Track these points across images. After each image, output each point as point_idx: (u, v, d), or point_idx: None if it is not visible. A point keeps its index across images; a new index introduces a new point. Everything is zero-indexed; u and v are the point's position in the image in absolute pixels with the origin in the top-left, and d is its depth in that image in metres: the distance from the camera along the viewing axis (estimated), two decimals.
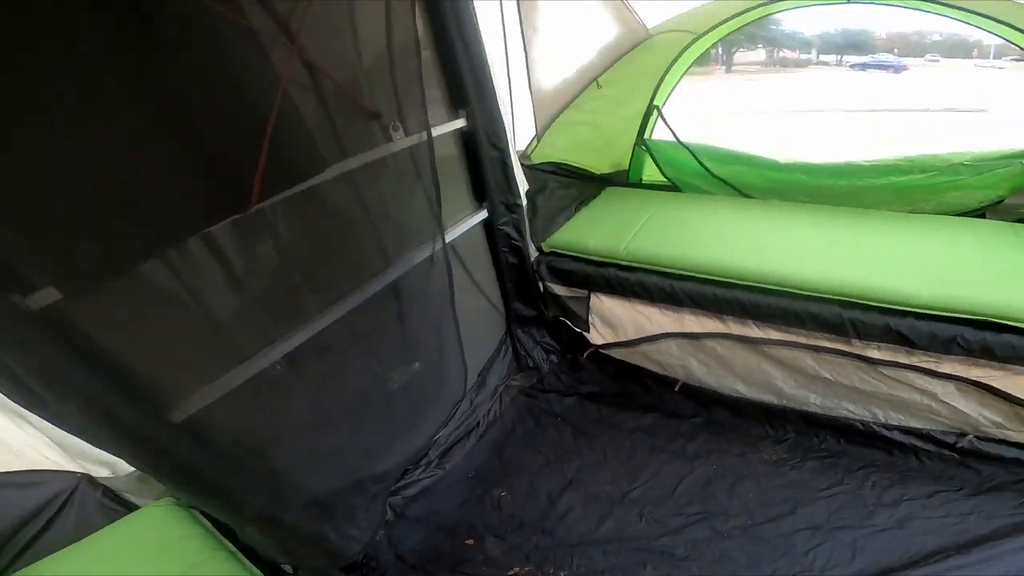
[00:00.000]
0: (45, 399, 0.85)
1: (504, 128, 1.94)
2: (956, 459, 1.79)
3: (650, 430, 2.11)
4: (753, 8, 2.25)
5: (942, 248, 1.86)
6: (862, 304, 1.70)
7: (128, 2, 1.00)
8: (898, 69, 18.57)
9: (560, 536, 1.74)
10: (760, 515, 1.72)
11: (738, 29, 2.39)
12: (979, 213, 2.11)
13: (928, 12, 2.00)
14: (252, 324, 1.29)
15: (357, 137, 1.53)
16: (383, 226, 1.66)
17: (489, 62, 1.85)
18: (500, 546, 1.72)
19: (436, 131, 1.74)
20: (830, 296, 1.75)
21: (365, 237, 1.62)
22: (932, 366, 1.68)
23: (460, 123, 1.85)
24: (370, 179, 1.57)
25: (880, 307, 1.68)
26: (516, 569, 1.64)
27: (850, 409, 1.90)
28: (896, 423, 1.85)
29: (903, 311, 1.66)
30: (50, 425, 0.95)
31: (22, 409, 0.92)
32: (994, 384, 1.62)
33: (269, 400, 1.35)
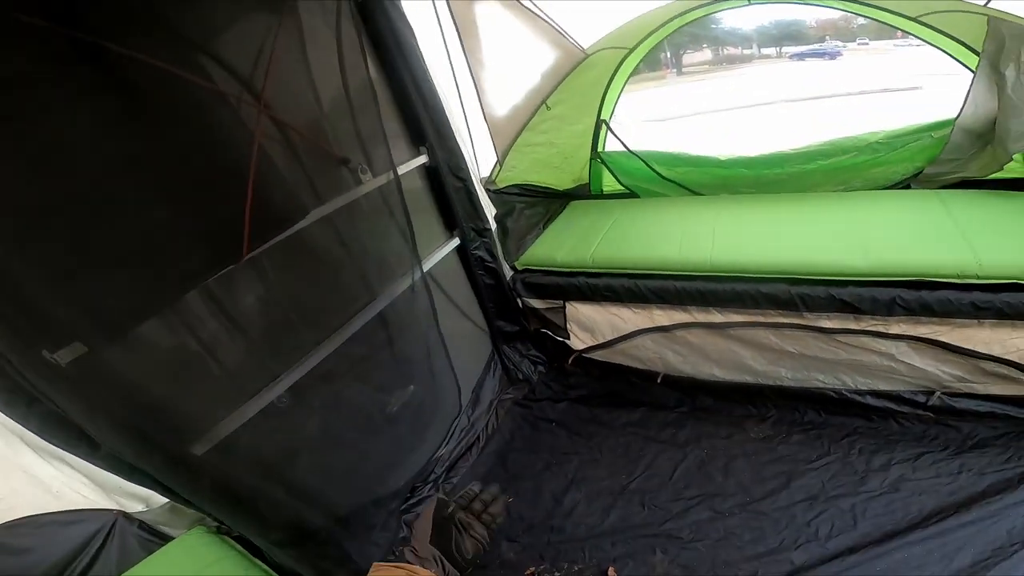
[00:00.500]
0: (81, 440, 0.94)
1: (464, 159, 2.07)
2: (933, 418, 1.89)
3: (640, 423, 2.21)
4: (670, 20, 2.46)
5: (873, 220, 2.03)
6: (807, 279, 1.85)
7: (114, 84, 1.12)
8: (833, 55, 19.48)
9: (569, 532, 1.81)
10: (756, 491, 1.79)
11: (664, 39, 2.60)
12: (904, 185, 2.29)
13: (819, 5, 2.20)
14: (256, 362, 1.41)
15: (330, 182, 1.64)
16: (364, 262, 1.78)
17: (442, 99, 1.98)
18: (514, 548, 1.79)
19: (401, 169, 1.86)
20: (777, 276, 1.89)
21: (349, 273, 1.74)
22: (881, 328, 1.81)
23: (423, 159, 1.98)
24: (347, 220, 1.69)
25: (823, 280, 1.83)
26: (532, 568, 1.70)
27: (820, 379, 2.02)
28: (866, 388, 1.97)
29: (844, 281, 1.81)
30: (86, 464, 1.03)
31: (59, 451, 0.99)
32: (942, 339, 1.75)
33: (280, 429, 1.46)
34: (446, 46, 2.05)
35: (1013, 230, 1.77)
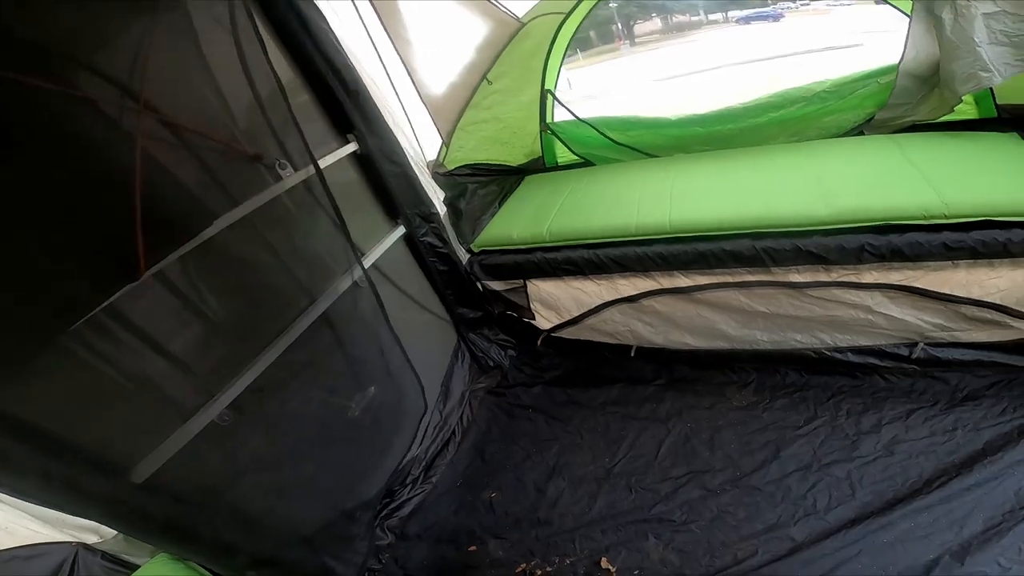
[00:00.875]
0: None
1: (398, 143, 1.93)
2: (919, 371, 1.83)
3: (618, 401, 2.14)
4: None
5: (831, 168, 1.97)
6: (770, 233, 1.78)
7: None
8: (776, 17, 19.80)
9: (557, 524, 1.74)
10: (746, 465, 1.73)
11: (605, 3, 2.47)
12: (858, 132, 2.24)
13: None
14: (187, 381, 1.31)
15: (243, 182, 1.49)
16: (296, 263, 1.64)
17: (369, 83, 1.84)
18: (502, 546, 1.72)
19: (327, 159, 1.73)
20: (740, 231, 1.82)
21: (281, 277, 1.60)
22: (853, 278, 1.75)
23: (351, 147, 1.83)
24: (270, 220, 1.54)
25: (787, 231, 1.76)
26: (523, 565, 1.64)
27: (798, 339, 1.96)
28: (846, 344, 1.91)
29: (809, 231, 1.74)
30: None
31: None
32: (917, 285, 1.70)
33: (227, 448, 1.38)
34: (366, 28, 1.89)
35: (973, 169, 1.73)
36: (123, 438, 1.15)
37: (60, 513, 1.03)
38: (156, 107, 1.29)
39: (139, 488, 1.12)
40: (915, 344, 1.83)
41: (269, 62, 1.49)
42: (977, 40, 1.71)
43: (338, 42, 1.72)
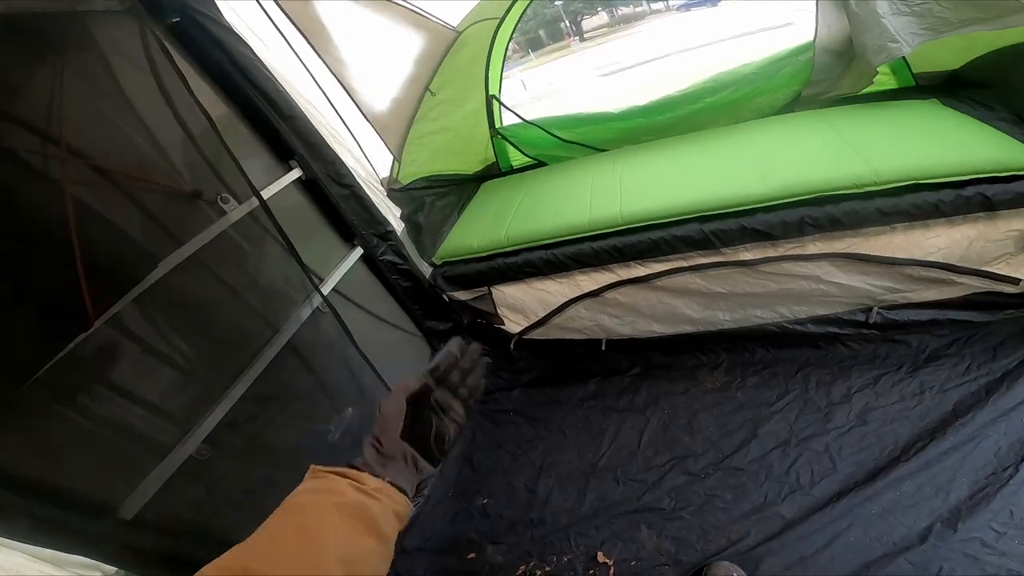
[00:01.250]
0: None
1: (345, 165, 1.92)
2: (879, 336, 1.89)
3: (596, 395, 2.17)
4: None
5: (766, 146, 2.04)
6: (715, 215, 1.83)
7: None
8: (714, 2, 20.42)
9: (551, 524, 1.75)
10: (726, 446, 1.76)
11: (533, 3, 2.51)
12: (790, 110, 2.33)
13: None
14: (159, 419, 1.32)
15: (184, 221, 1.46)
16: (254, 296, 1.62)
17: (306, 106, 1.83)
18: (500, 551, 1.72)
19: (271, 188, 1.70)
20: (687, 216, 1.87)
21: (239, 312, 1.59)
22: (799, 251, 1.80)
23: (295, 173, 1.82)
24: (219, 256, 1.52)
25: (731, 212, 1.81)
26: (522, 567, 1.64)
27: (759, 315, 2.02)
28: (805, 316, 1.97)
29: (751, 210, 1.79)
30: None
31: None
32: (860, 251, 1.75)
33: (210, 479, 1.39)
34: (295, 51, 1.86)
35: (897, 136, 1.81)
36: (105, 478, 1.17)
37: (63, 554, 1.03)
38: (80, 151, 1.26)
39: (129, 524, 1.16)
40: (870, 309, 1.90)
41: (193, 95, 1.46)
42: (880, 12, 1.78)
43: (266, 68, 1.70)
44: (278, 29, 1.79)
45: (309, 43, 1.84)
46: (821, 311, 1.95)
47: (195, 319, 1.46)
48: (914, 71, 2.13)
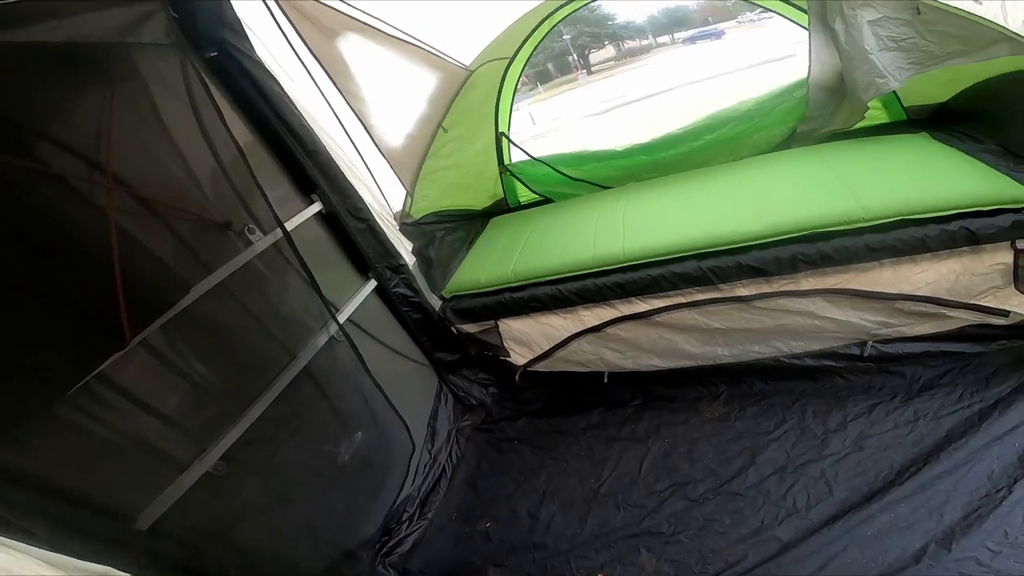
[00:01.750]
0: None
1: (362, 199, 2.02)
2: (874, 368, 1.92)
3: (599, 425, 2.21)
4: (541, 23, 2.53)
5: (762, 183, 2.12)
6: (713, 252, 1.90)
7: None
8: (719, 35, 20.99)
9: (552, 547, 1.78)
10: (724, 473, 1.79)
11: (541, 39, 2.67)
12: (786, 146, 2.42)
13: None
14: (179, 436, 1.39)
15: (215, 250, 1.56)
16: (274, 323, 1.71)
17: (327, 141, 1.94)
18: (502, 573, 1.75)
19: (294, 220, 1.81)
20: (686, 253, 1.94)
21: (260, 337, 1.67)
22: (792, 287, 1.85)
23: (316, 207, 1.92)
24: (244, 284, 1.62)
25: (728, 249, 1.88)
26: None
27: (756, 350, 2.05)
28: (801, 351, 2.01)
29: (746, 247, 1.86)
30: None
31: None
32: (851, 286, 1.79)
33: (224, 495, 1.45)
34: (319, 88, 1.99)
35: (886, 171, 1.87)
36: (125, 489, 1.24)
37: (76, 560, 1.06)
38: (123, 180, 1.37)
39: (145, 533, 1.21)
40: (865, 343, 1.93)
41: (227, 128, 1.56)
42: (868, 48, 1.82)
43: (293, 104, 1.81)
44: (304, 65, 1.91)
45: (332, 80, 1.98)
46: (817, 346, 1.99)
47: (219, 343, 1.55)
48: (905, 104, 2.20)
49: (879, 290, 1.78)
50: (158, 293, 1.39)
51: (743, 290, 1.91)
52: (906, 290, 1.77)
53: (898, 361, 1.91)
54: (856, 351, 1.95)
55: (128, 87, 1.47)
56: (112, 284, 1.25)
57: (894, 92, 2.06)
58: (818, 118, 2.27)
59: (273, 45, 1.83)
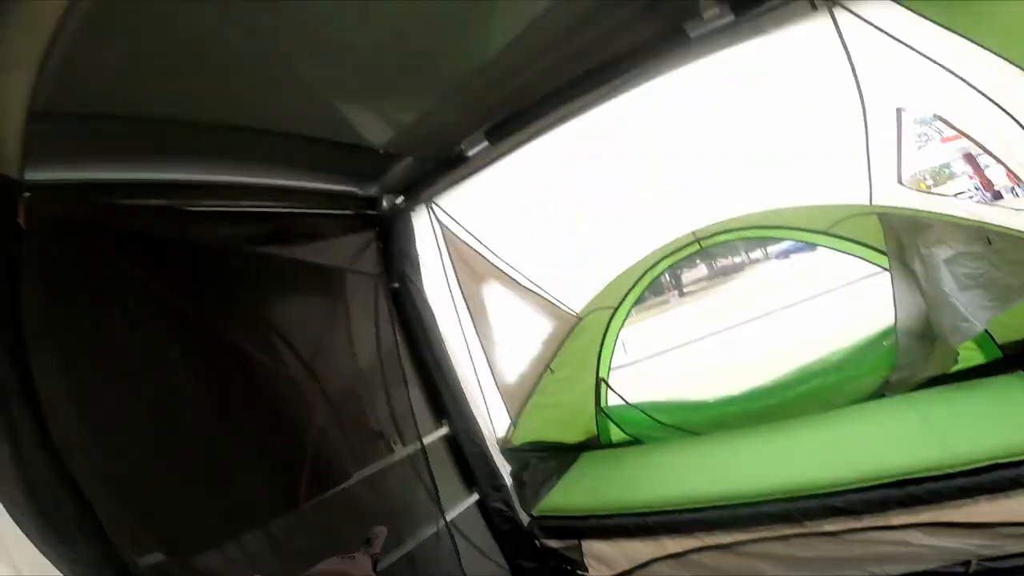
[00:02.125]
0: None
1: (480, 427, 2.43)
2: None
3: None
4: (643, 275, 2.98)
5: (853, 432, 2.19)
6: (802, 495, 1.94)
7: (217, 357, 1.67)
8: (812, 247, 20.60)
9: None
10: None
11: (646, 288, 3.10)
12: (880, 395, 2.40)
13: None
14: None
15: (368, 451, 2.02)
16: (397, 513, 2.04)
17: (460, 373, 2.44)
18: None
19: (426, 440, 2.25)
20: (775, 497, 1.99)
21: (383, 521, 1.93)
22: (882, 523, 1.80)
23: (444, 430, 2.38)
24: (382, 481, 2.01)
25: (816, 494, 1.91)
26: None
27: (848, 574, 1.90)
28: (899, 572, 1.84)
29: (836, 492, 1.88)
30: None
31: None
32: (946, 520, 1.70)
33: None
34: (461, 326, 2.49)
35: (977, 415, 1.91)
36: None
37: None
38: (323, 382, 1.88)
39: None
40: (968, 562, 1.75)
41: (397, 348, 2.07)
42: (947, 290, 1.83)
43: (443, 341, 2.29)
44: (455, 305, 2.37)
45: (472, 320, 2.43)
46: (917, 567, 1.81)
47: (359, 519, 1.87)
48: (999, 342, 2.13)
49: (977, 521, 1.70)
50: (331, 473, 1.81)
51: (830, 527, 1.89)
52: (1004, 519, 1.67)
53: (1008, 574, 1.70)
54: (960, 570, 1.77)
55: (341, 307, 2.03)
56: (303, 459, 1.71)
57: (986, 331, 2.02)
58: (910, 366, 2.22)
59: (433, 279, 2.31)
